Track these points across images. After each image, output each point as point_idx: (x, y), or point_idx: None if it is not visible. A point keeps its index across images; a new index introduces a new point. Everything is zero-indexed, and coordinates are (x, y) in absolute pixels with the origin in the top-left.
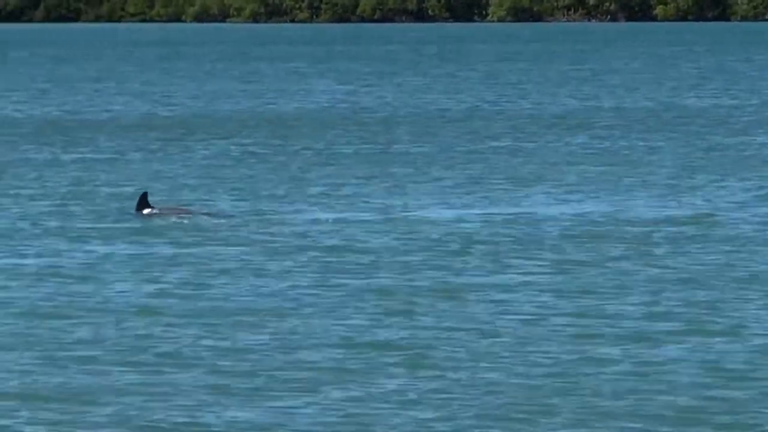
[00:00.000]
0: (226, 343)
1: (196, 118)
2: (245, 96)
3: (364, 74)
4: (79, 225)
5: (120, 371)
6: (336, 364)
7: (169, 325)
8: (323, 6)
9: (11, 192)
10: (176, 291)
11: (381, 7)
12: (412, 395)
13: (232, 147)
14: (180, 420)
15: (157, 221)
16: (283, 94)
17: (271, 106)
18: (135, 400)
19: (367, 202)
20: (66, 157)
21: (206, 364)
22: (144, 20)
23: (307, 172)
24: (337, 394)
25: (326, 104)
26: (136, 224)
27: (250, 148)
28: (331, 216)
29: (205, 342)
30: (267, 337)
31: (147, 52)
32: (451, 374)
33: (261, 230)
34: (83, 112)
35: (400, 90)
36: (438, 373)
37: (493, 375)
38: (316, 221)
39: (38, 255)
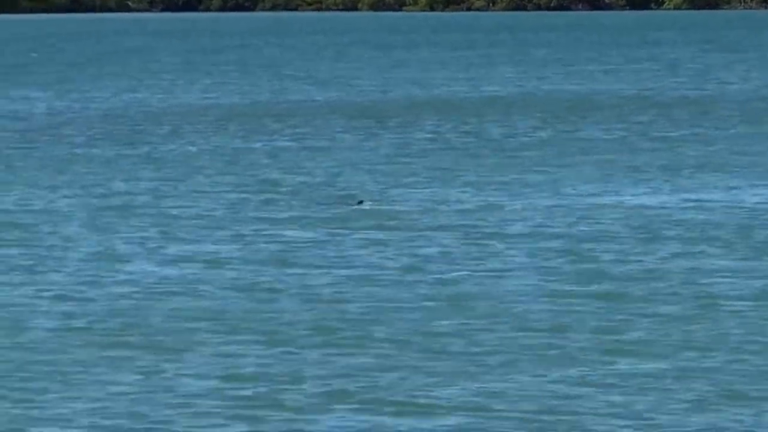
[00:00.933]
0: (444, 326)
1: (389, 105)
2: (437, 82)
3: (546, 61)
4: (280, 213)
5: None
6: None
7: (386, 308)
8: None
9: (209, 180)
10: (392, 277)
11: None
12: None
13: (424, 134)
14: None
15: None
16: (470, 80)
17: (455, 91)
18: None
19: (570, 188)
20: (257, 145)
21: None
22: (320, 9)
23: (509, 158)
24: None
25: (513, 91)
26: (338, 211)
27: (443, 135)
28: (529, 202)
29: (423, 326)
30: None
31: (334, 41)
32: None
33: (464, 218)
34: (270, 100)
35: (583, 76)
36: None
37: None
38: (513, 209)
39: (243, 241)
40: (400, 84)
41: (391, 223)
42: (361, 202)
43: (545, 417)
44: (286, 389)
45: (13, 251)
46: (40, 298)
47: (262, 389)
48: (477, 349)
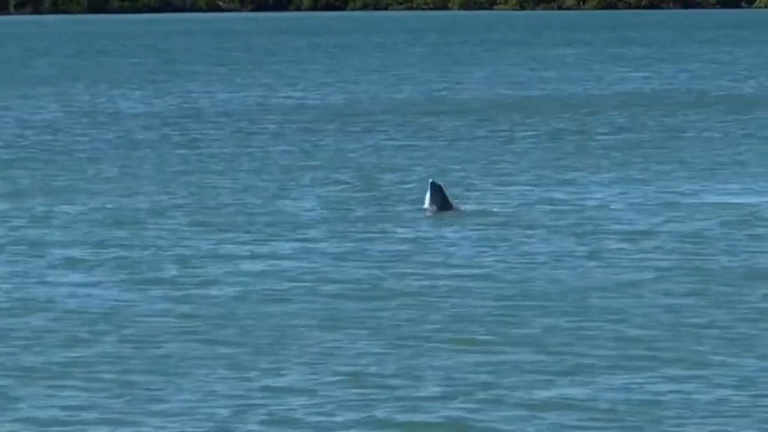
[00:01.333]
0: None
1: (500, 103)
2: (531, 81)
3: (644, 59)
4: (385, 211)
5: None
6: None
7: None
8: None
9: (315, 179)
10: (492, 274)
11: None
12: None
13: (522, 131)
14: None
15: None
16: (571, 79)
17: (559, 90)
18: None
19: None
20: (352, 145)
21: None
22: (410, 8)
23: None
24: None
25: (611, 88)
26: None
27: (542, 131)
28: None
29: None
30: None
31: (423, 40)
32: None
33: (572, 216)
34: (366, 99)
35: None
36: None
37: None
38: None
39: (338, 238)
40: (529, 82)
41: (496, 221)
42: (462, 201)
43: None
44: (402, 385)
45: (120, 250)
46: (151, 296)
47: (375, 386)
48: (591, 348)
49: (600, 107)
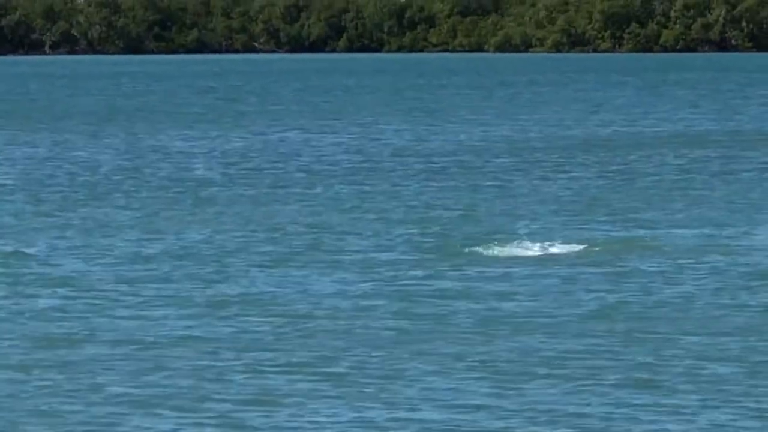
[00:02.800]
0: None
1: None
2: (595, 122)
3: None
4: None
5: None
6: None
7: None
8: (626, 36)
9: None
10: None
11: (684, 37)
12: None
13: (600, 172)
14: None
15: None
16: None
17: (621, 130)
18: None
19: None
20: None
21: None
22: (446, 50)
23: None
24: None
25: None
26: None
27: (615, 170)
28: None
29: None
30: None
31: (478, 82)
32: None
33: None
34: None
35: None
36: None
37: None
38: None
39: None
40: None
41: (581, 260)
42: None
43: None
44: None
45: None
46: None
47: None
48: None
49: (659, 147)
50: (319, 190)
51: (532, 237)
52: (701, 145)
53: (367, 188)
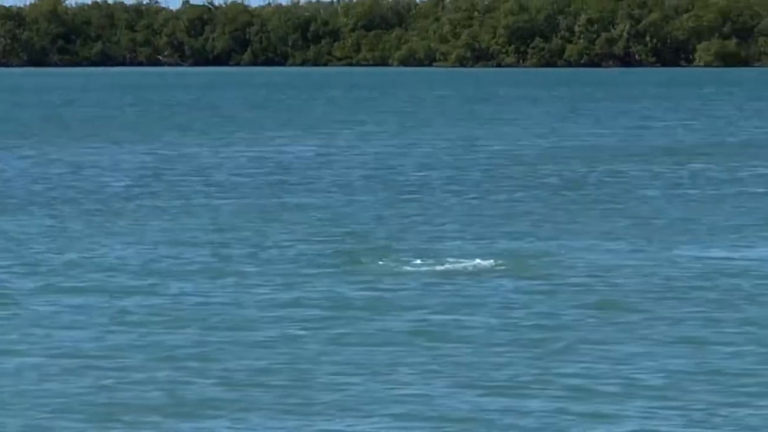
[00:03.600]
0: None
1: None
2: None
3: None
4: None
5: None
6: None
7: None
8: (530, 51)
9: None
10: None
11: (588, 52)
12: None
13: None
14: None
15: None
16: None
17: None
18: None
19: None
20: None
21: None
22: (350, 64)
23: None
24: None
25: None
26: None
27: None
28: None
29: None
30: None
31: (386, 95)
32: None
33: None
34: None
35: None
36: None
37: None
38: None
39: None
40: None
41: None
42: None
43: None
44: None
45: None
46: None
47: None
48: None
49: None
50: (229, 202)
51: (446, 250)
52: (619, 159)
53: (275, 201)
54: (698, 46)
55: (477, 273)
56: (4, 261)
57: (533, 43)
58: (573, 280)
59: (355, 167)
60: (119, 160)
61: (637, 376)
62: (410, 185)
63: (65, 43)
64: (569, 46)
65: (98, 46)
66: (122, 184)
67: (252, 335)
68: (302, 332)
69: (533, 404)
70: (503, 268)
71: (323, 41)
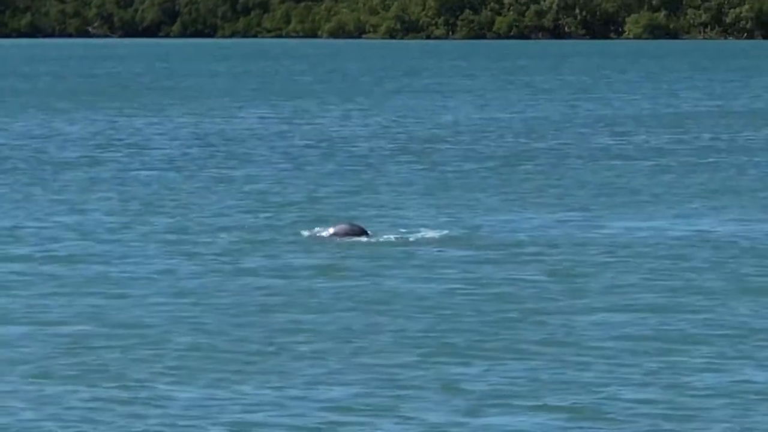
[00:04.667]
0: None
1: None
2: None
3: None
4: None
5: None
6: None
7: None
8: (459, 23)
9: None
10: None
11: (517, 24)
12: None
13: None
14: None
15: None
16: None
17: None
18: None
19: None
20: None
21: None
22: (280, 36)
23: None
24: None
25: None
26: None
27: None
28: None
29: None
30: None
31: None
32: None
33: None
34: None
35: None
36: None
37: None
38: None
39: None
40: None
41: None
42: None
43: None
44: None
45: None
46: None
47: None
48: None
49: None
50: (176, 174)
51: (396, 221)
52: (559, 131)
53: (225, 173)
54: (627, 19)
55: (427, 243)
56: None
57: (462, 15)
58: (523, 250)
59: (297, 138)
60: (68, 130)
61: (594, 343)
62: (354, 157)
63: None
64: (499, 18)
65: (27, 18)
66: (67, 154)
67: (196, 304)
68: (252, 302)
69: (497, 370)
70: (452, 238)
71: (253, 13)
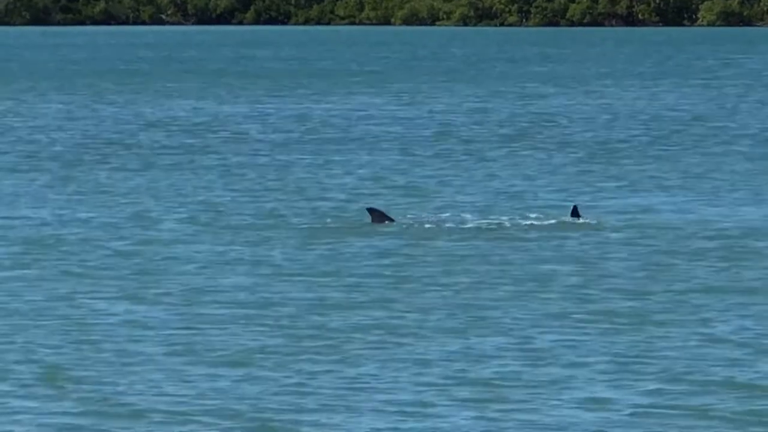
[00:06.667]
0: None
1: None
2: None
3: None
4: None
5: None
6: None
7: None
8: (533, 10)
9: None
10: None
11: (591, 11)
12: None
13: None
14: None
15: None
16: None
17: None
18: None
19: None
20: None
21: None
22: (353, 23)
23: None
24: None
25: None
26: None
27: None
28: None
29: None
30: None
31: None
32: None
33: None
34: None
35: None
36: None
37: None
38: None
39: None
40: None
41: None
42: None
43: None
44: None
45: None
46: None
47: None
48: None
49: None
50: (210, 162)
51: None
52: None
53: (244, 160)
54: (701, 6)
55: (452, 231)
56: None
57: (536, 2)
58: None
59: (378, 126)
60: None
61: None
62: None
63: (68, 2)
64: (572, 6)
65: (101, 5)
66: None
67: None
68: (271, 287)
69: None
70: (481, 225)
71: (326, 0)
